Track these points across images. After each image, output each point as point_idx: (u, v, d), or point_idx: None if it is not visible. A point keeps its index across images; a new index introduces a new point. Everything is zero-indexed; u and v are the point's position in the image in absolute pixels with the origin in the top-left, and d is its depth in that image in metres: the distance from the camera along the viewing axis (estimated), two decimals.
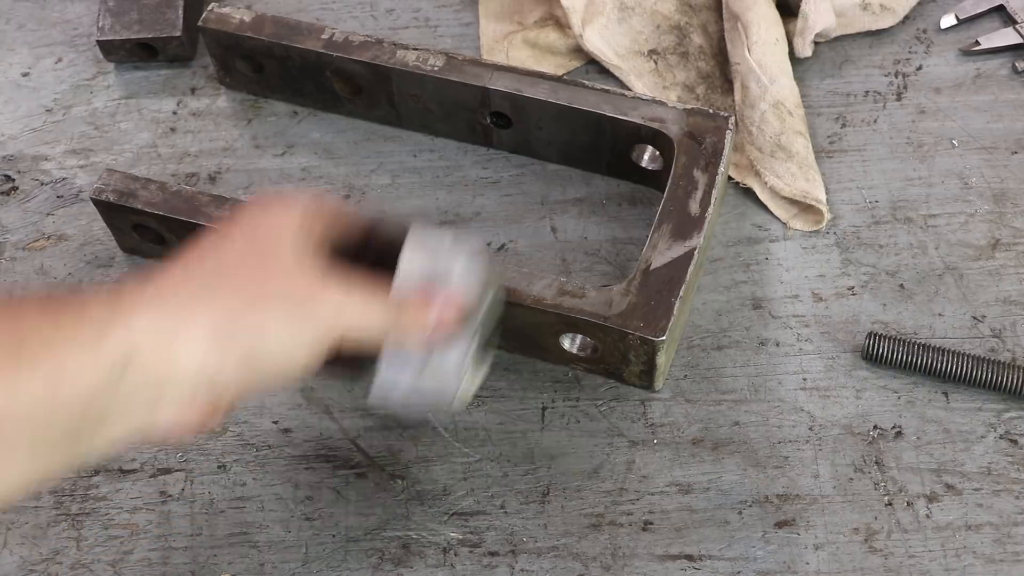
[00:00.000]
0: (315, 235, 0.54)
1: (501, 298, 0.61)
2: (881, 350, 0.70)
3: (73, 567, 0.67)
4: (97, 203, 0.73)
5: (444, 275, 0.56)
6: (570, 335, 0.69)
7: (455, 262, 0.56)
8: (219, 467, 0.70)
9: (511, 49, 0.85)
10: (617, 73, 0.83)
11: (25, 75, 0.88)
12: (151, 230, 0.74)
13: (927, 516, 0.66)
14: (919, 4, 0.85)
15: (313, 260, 0.53)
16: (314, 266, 0.53)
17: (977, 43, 0.83)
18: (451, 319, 0.55)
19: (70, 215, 0.80)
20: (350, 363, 0.57)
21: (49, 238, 0.79)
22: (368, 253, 0.58)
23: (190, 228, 0.71)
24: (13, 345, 0.45)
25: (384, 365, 0.56)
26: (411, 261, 0.56)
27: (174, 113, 0.85)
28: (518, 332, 0.70)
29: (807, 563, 0.65)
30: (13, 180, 0.82)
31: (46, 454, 0.47)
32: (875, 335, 0.70)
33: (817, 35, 0.82)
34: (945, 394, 0.70)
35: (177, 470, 0.70)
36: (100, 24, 0.85)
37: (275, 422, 0.72)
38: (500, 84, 0.74)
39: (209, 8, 0.80)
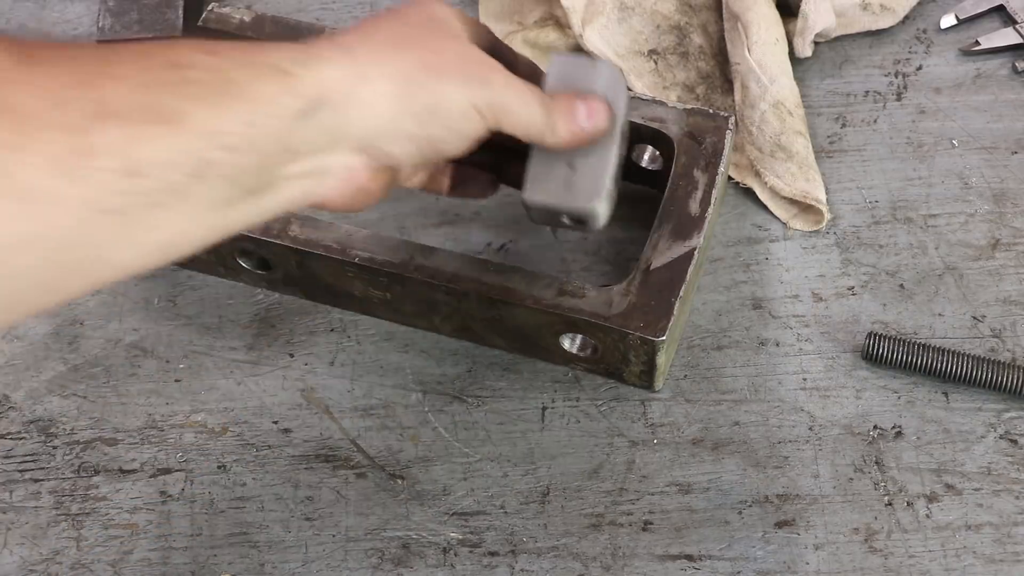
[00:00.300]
0: (471, 30, 0.57)
1: (627, 131, 0.64)
2: (881, 350, 0.70)
3: (73, 567, 0.68)
4: None
5: (588, 86, 0.59)
6: (570, 335, 0.69)
7: (599, 75, 0.60)
8: (219, 467, 0.70)
9: None
10: None
11: None
12: None
13: (927, 516, 0.66)
14: (919, 4, 0.85)
15: (477, 45, 0.55)
16: (480, 49, 0.55)
17: (977, 43, 0.83)
18: (600, 120, 0.58)
19: None
20: (497, 155, 0.61)
21: None
22: None
23: None
24: (219, 81, 0.45)
25: (535, 160, 0.60)
26: (559, 65, 0.60)
27: None
28: (518, 332, 0.70)
29: (807, 563, 0.66)
30: None
31: (227, 201, 0.46)
32: (875, 335, 0.70)
33: (817, 35, 0.82)
34: (945, 394, 0.70)
35: (177, 470, 0.70)
36: (100, 24, 0.85)
37: (275, 422, 0.72)
38: None
39: (209, 8, 0.80)
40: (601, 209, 0.60)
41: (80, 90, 0.41)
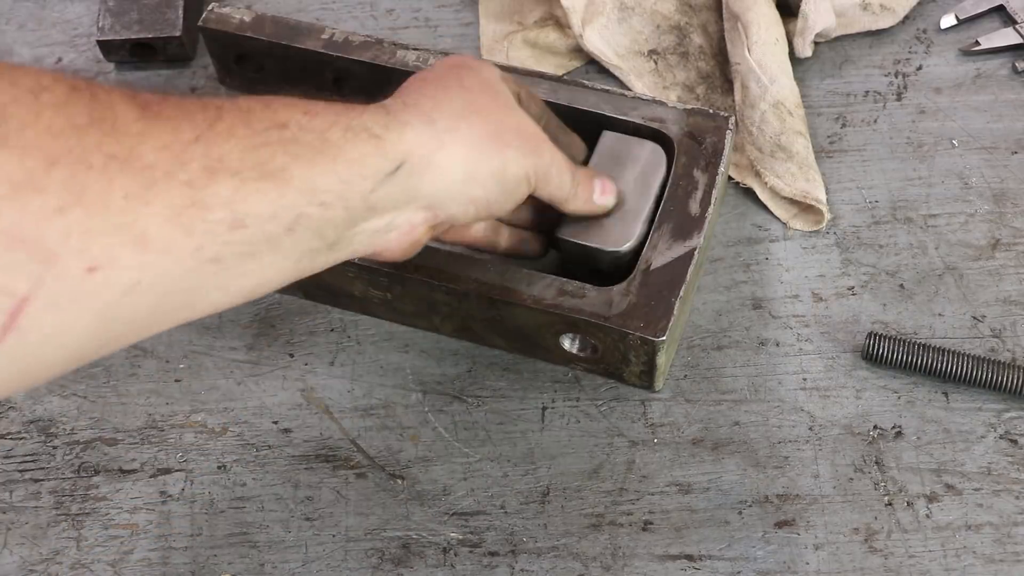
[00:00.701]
0: (514, 92, 0.63)
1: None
2: (881, 350, 0.70)
3: (73, 567, 0.68)
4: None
5: (632, 161, 0.70)
6: (570, 335, 0.69)
7: (643, 152, 0.70)
8: (219, 467, 0.70)
9: (511, 49, 0.85)
10: (617, 73, 0.83)
11: None
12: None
13: (927, 516, 0.66)
14: (919, 4, 0.85)
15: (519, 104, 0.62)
16: (528, 117, 0.61)
17: (977, 43, 0.83)
18: (609, 199, 0.67)
19: None
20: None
21: None
22: None
23: None
24: (318, 142, 0.49)
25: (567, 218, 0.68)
26: (610, 140, 0.71)
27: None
28: (518, 332, 0.70)
29: (807, 563, 0.66)
30: None
31: (310, 253, 0.50)
32: (875, 335, 0.70)
33: (817, 35, 0.82)
34: (945, 394, 0.70)
35: (177, 470, 0.70)
36: (100, 24, 0.85)
37: (275, 422, 0.72)
38: None
39: (209, 8, 0.80)
40: (628, 250, 0.68)
41: (197, 146, 0.45)
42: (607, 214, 0.68)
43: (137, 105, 0.44)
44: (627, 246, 0.68)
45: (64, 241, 0.41)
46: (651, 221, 0.69)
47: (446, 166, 0.55)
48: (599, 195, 0.66)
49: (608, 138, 0.71)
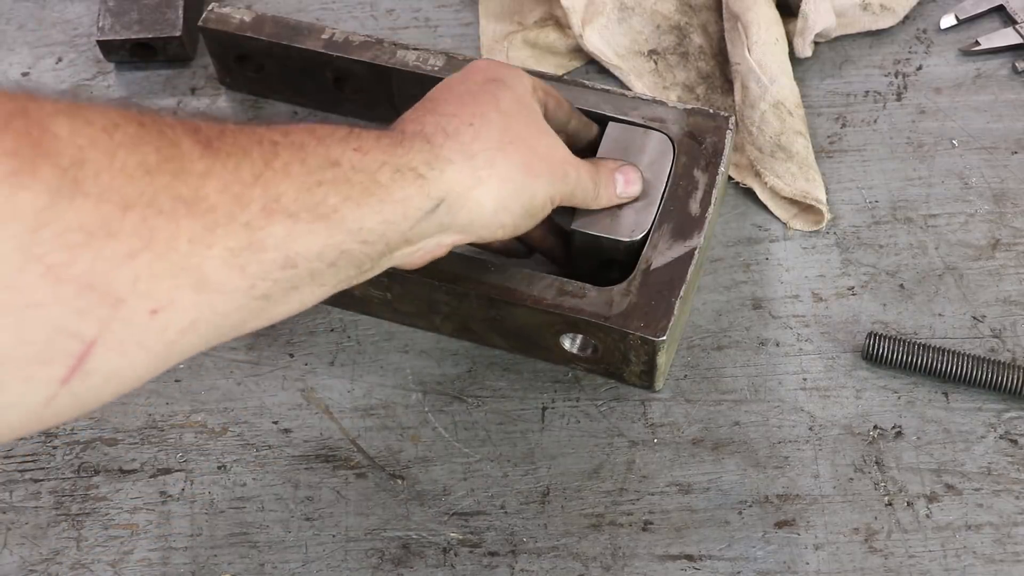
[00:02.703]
0: (542, 103, 0.65)
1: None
2: (881, 350, 0.70)
3: (73, 567, 0.68)
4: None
5: (638, 151, 0.70)
6: (570, 335, 0.69)
7: (649, 143, 0.71)
8: (219, 467, 0.70)
9: (511, 49, 0.85)
10: (617, 73, 0.83)
11: (25, 75, 0.88)
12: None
13: (927, 516, 0.66)
14: (919, 4, 0.85)
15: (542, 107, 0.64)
16: (552, 130, 0.63)
17: (977, 43, 0.83)
18: (634, 189, 0.68)
19: None
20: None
21: None
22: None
23: None
24: (368, 182, 0.51)
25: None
26: (615, 130, 0.71)
27: (174, 113, 0.85)
28: (518, 332, 0.70)
29: (807, 563, 0.66)
30: None
31: (347, 280, 0.52)
32: (875, 335, 0.70)
33: (817, 35, 0.82)
34: (945, 394, 0.70)
35: (177, 470, 0.70)
36: (100, 24, 0.85)
37: (275, 422, 0.72)
38: None
39: (209, 8, 0.80)
40: (642, 239, 0.68)
41: (256, 187, 0.46)
42: (620, 204, 0.69)
43: (200, 142, 0.46)
44: (641, 235, 0.68)
45: (132, 286, 0.42)
46: (661, 208, 0.69)
47: (481, 200, 0.57)
48: (623, 188, 0.68)
49: (614, 129, 0.72)
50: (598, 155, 0.71)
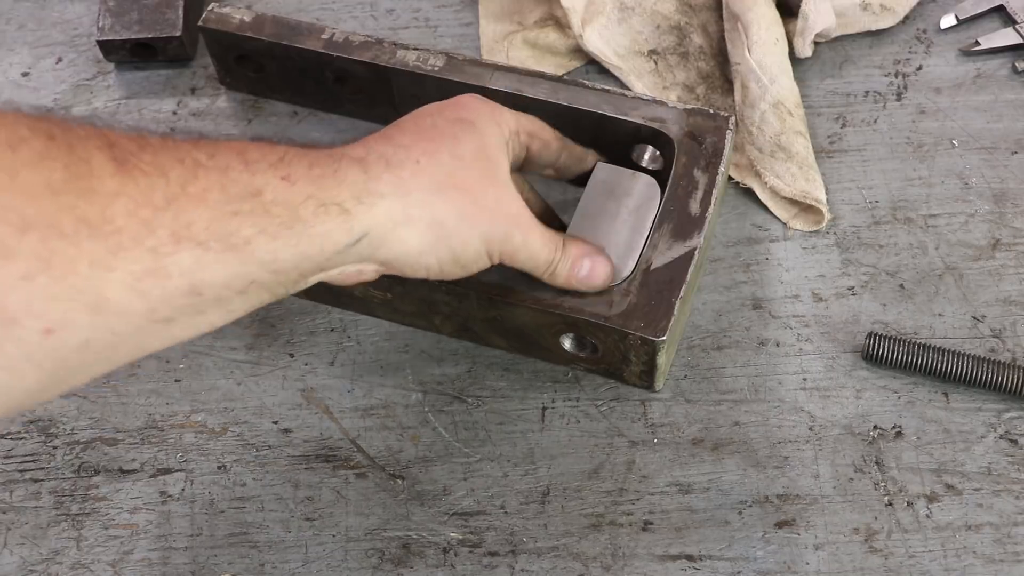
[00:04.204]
0: (513, 151, 0.63)
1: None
2: (881, 350, 0.70)
3: (73, 567, 0.68)
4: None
5: (625, 193, 0.70)
6: (570, 335, 0.69)
7: (636, 186, 0.70)
8: (219, 467, 0.70)
9: (511, 49, 0.85)
10: (617, 73, 0.83)
11: (25, 75, 0.88)
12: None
13: (927, 516, 0.66)
14: (919, 4, 0.85)
15: (511, 179, 0.61)
16: (514, 187, 0.61)
17: (977, 43, 0.83)
18: (597, 280, 0.65)
19: None
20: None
21: None
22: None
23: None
24: (288, 216, 0.50)
25: (573, 228, 0.69)
26: (604, 172, 0.71)
27: (174, 113, 0.85)
28: (518, 332, 0.70)
29: (807, 563, 0.66)
30: None
31: (259, 303, 0.52)
32: (875, 335, 0.70)
33: (817, 35, 0.82)
34: (945, 394, 0.70)
35: (177, 470, 0.70)
36: (100, 24, 0.85)
37: (275, 422, 0.72)
38: (500, 84, 0.74)
39: (209, 8, 0.80)
40: (622, 276, 0.67)
41: (168, 212, 0.45)
42: (606, 243, 0.67)
43: (114, 158, 0.45)
44: (620, 281, 0.67)
45: (26, 307, 0.41)
46: (646, 244, 0.68)
47: (406, 238, 0.55)
48: (586, 275, 0.65)
49: (602, 171, 0.71)
50: (583, 197, 0.70)
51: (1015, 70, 0.83)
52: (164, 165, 0.46)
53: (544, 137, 0.66)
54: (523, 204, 0.61)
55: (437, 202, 0.56)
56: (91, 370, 0.46)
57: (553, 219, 0.73)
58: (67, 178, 0.43)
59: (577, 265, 0.64)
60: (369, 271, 0.56)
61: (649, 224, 0.69)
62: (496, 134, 0.61)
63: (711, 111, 0.72)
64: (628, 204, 0.70)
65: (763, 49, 0.78)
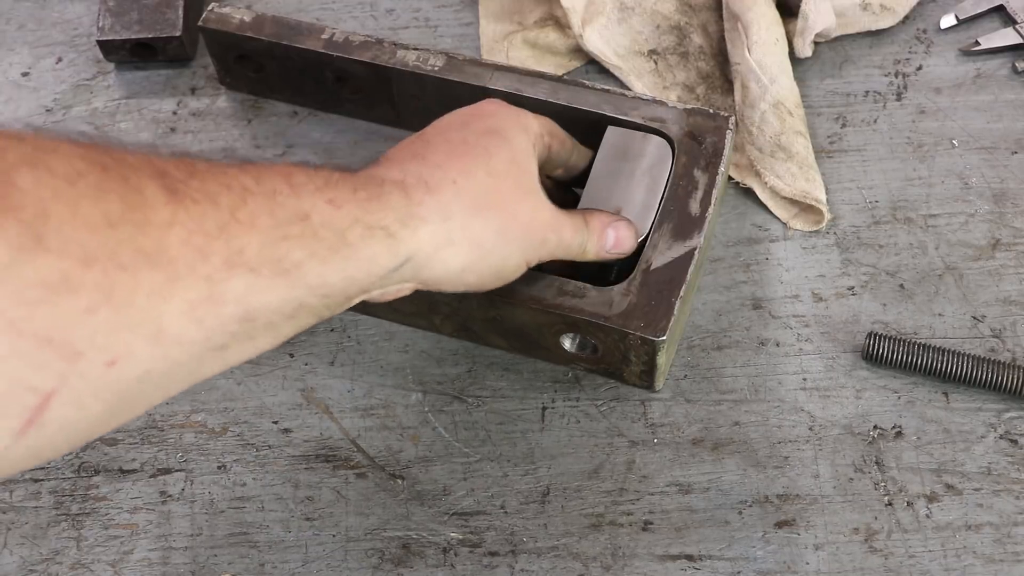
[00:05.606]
0: (539, 155, 0.64)
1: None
2: (881, 350, 0.70)
3: (73, 567, 0.68)
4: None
5: (637, 156, 0.70)
6: (570, 335, 0.69)
7: (648, 148, 0.71)
8: (219, 467, 0.70)
9: (511, 49, 0.85)
10: (617, 73, 0.83)
11: (25, 75, 0.88)
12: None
13: (927, 516, 0.66)
14: (919, 4, 0.85)
15: (541, 186, 0.62)
16: (543, 192, 0.62)
17: (977, 43, 0.83)
18: (624, 247, 0.66)
19: None
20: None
21: None
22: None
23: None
24: (335, 240, 0.50)
25: (585, 200, 0.69)
26: (614, 135, 0.71)
27: (174, 113, 0.85)
28: (518, 332, 0.70)
29: (807, 563, 0.66)
30: None
31: (305, 327, 0.52)
32: (875, 335, 0.70)
33: (817, 35, 0.82)
34: (945, 394, 0.70)
35: (177, 470, 0.70)
36: (100, 24, 0.85)
37: (275, 422, 0.72)
38: (500, 84, 0.74)
39: (209, 8, 0.80)
40: (643, 235, 0.68)
41: (219, 239, 0.46)
42: (618, 210, 0.68)
43: (166, 187, 0.45)
44: (639, 240, 0.68)
45: (90, 340, 0.41)
46: (659, 213, 0.69)
47: (448, 260, 0.56)
48: (612, 244, 0.66)
49: (613, 134, 0.71)
50: (596, 161, 0.70)
51: (1015, 70, 0.83)
52: (213, 192, 0.46)
53: (560, 136, 0.67)
54: (552, 206, 0.61)
55: (477, 223, 0.57)
56: (149, 400, 0.46)
57: (568, 193, 0.73)
58: (124, 209, 0.43)
59: (603, 238, 0.65)
60: (407, 289, 0.57)
61: (663, 183, 0.69)
62: (524, 140, 0.62)
63: (711, 111, 0.72)
64: (641, 164, 0.70)
65: (763, 49, 0.78)
